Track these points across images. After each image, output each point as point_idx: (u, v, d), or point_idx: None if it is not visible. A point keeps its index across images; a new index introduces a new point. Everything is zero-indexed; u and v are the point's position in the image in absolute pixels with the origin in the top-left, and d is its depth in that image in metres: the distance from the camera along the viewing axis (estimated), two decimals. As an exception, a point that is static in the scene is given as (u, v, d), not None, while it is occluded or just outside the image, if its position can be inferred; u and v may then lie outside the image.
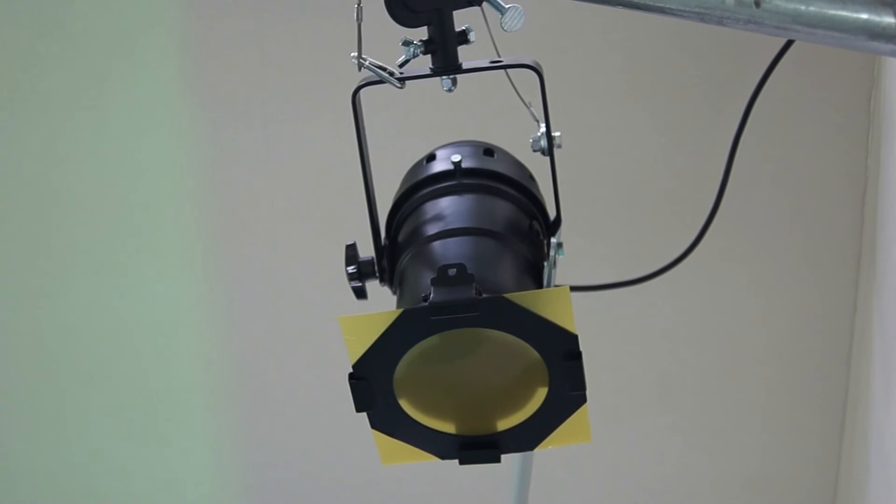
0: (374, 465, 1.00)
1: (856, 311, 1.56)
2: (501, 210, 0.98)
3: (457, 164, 0.98)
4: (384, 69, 0.92)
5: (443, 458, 0.90)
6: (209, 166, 1.59)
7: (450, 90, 0.94)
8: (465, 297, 0.82)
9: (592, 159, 1.53)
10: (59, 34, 1.54)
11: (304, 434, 1.75)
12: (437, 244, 0.93)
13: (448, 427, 0.89)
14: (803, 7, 0.69)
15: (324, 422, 1.72)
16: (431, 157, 1.02)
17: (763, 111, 1.33)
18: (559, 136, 0.97)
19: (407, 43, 0.91)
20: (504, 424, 0.89)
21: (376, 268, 0.97)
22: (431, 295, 0.82)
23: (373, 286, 0.99)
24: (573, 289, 0.84)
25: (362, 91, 0.94)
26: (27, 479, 1.82)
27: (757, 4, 0.72)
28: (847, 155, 1.49)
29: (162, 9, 1.52)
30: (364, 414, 0.88)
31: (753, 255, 1.57)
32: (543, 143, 0.97)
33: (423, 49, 0.91)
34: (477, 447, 0.89)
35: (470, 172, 0.99)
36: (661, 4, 0.79)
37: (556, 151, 0.97)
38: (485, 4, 0.90)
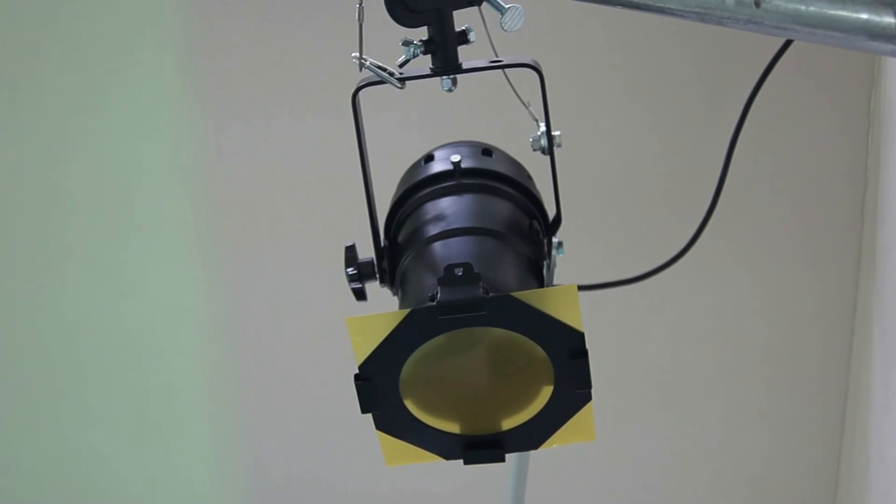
0: (375, 466, 1.00)
1: (856, 311, 1.56)
2: (502, 210, 0.98)
3: (456, 165, 0.99)
4: (384, 69, 0.92)
5: (447, 458, 0.90)
6: (209, 166, 1.59)
7: (450, 90, 0.94)
8: (472, 297, 0.82)
9: (591, 158, 1.53)
10: (59, 34, 1.54)
11: (304, 434, 1.75)
12: (438, 244, 0.93)
13: (452, 427, 0.89)
14: (803, 7, 0.69)
15: (324, 422, 1.72)
16: (430, 158, 1.02)
17: (763, 111, 1.34)
18: (559, 136, 0.97)
19: (407, 43, 0.91)
20: (508, 424, 0.89)
21: (376, 269, 0.98)
22: (438, 294, 0.82)
23: (372, 287, 0.99)
24: (578, 288, 0.84)
25: (362, 91, 0.94)
26: (27, 479, 1.82)
27: (757, 4, 0.72)
28: (847, 155, 1.49)
29: (162, 9, 1.52)
30: (366, 414, 0.88)
31: (753, 254, 1.57)
32: (543, 142, 0.97)
33: (423, 49, 0.91)
34: (481, 447, 0.89)
35: (469, 172, 0.99)
36: (661, 4, 0.79)
37: (556, 150, 0.97)
38: (485, 4, 0.91)
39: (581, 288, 0.86)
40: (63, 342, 1.72)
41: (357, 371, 0.86)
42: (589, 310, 0.90)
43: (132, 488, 1.82)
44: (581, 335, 0.84)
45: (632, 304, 1.58)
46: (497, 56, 0.96)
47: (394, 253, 0.98)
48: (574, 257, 1.05)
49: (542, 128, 0.97)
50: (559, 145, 0.97)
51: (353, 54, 0.91)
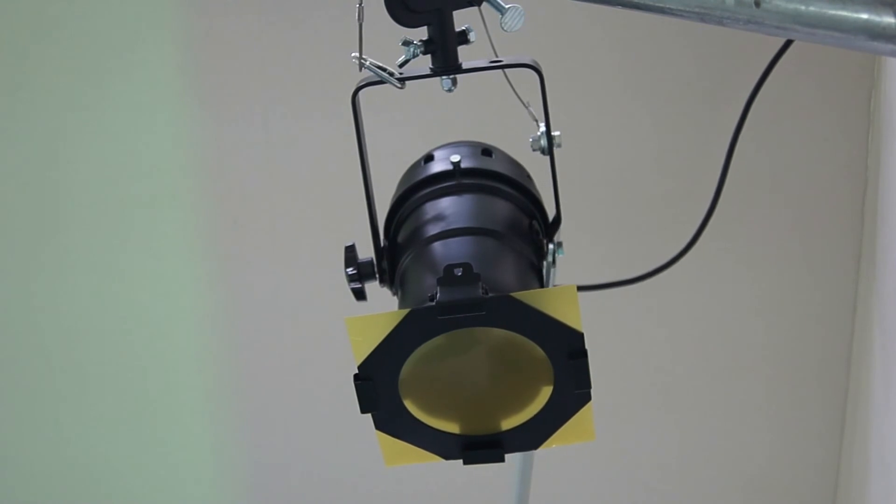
0: (375, 466, 1.00)
1: (856, 311, 1.56)
2: (501, 210, 0.98)
3: (456, 165, 0.99)
4: (384, 69, 0.92)
5: (447, 458, 0.90)
6: (209, 166, 1.59)
7: (450, 90, 0.94)
8: (472, 297, 0.82)
9: (591, 158, 1.53)
10: (58, 33, 1.54)
11: (303, 434, 1.74)
12: (438, 244, 0.93)
13: (451, 427, 0.89)
14: (803, 7, 0.69)
15: (323, 422, 1.72)
16: (429, 158, 1.02)
17: (763, 111, 1.34)
18: (559, 136, 0.97)
19: (407, 43, 0.91)
20: (508, 424, 0.89)
21: (376, 269, 0.98)
22: (438, 294, 0.82)
23: (372, 287, 0.99)
24: (578, 288, 0.84)
25: (362, 91, 0.94)
26: (27, 479, 1.82)
27: (757, 4, 0.72)
28: (847, 155, 1.49)
29: (162, 8, 1.52)
30: (365, 415, 0.88)
31: (753, 255, 1.57)
32: (543, 142, 0.97)
33: (423, 49, 0.92)
34: (480, 447, 0.89)
35: (469, 172, 0.99)
36: (661, 4, 0.79)
37: (556, 151, 0.97)
38: (485, 4, 0.91)
39: (581, 288, 0.86)
40: (63, 342, 1.72)
41: (357, 371, 0.86)
42: (589, 310, 0.90)
43: (132, 488, 1.82)
44: (581, 335, 0.84)
45: (632, 304, 1.58)
46: (497, 56, 0.96)
47: (393, 253, 0.98)
48: (574, 257, 1.05)
49: (542, 128, 0.97)
50: (559, 145, 0.97)
51: (353, 54, 0.91)
